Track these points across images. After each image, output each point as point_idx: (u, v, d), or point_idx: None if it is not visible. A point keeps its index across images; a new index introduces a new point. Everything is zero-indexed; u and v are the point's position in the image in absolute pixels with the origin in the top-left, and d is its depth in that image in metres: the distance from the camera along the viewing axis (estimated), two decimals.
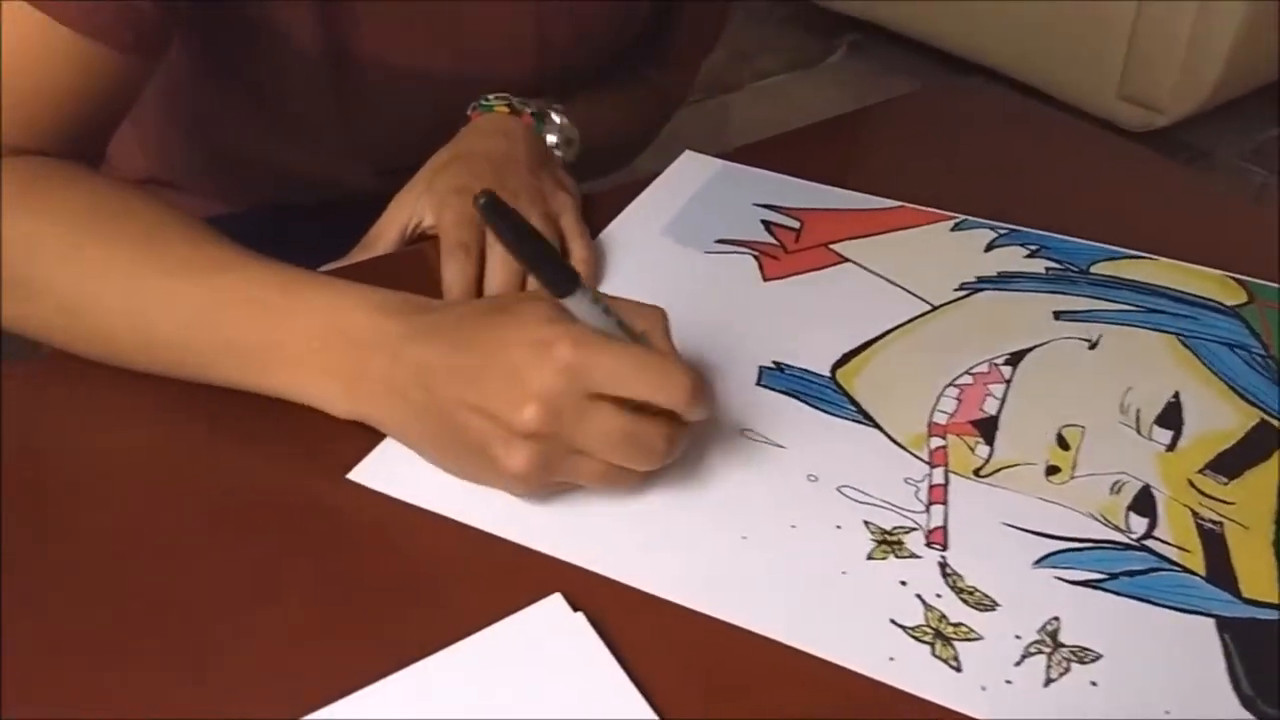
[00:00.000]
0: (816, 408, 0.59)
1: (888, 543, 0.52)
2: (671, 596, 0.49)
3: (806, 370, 0.62)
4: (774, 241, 0.72)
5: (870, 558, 0.51)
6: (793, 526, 0.52)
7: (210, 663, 0.45)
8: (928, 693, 0.45)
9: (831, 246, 0.71)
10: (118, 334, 0.55)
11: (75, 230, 0.55)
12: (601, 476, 0.51)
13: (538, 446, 0.48)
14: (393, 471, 0.53)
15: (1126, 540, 0.53)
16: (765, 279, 0.69)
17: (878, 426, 0.58)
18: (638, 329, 0.52)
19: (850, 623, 0.48)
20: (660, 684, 0.45)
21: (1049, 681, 0.46)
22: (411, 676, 0.44)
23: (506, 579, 0.49)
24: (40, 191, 0.57)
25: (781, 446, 0.57)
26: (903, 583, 0.50)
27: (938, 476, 0.56)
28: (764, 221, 0.74)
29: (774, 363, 0.62)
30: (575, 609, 0.47)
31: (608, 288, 0.67)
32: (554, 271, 0.49)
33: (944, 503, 0.54)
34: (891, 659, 0.46)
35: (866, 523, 0.53)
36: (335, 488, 0.53)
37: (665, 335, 0.54)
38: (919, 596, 0.49)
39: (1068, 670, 0.47)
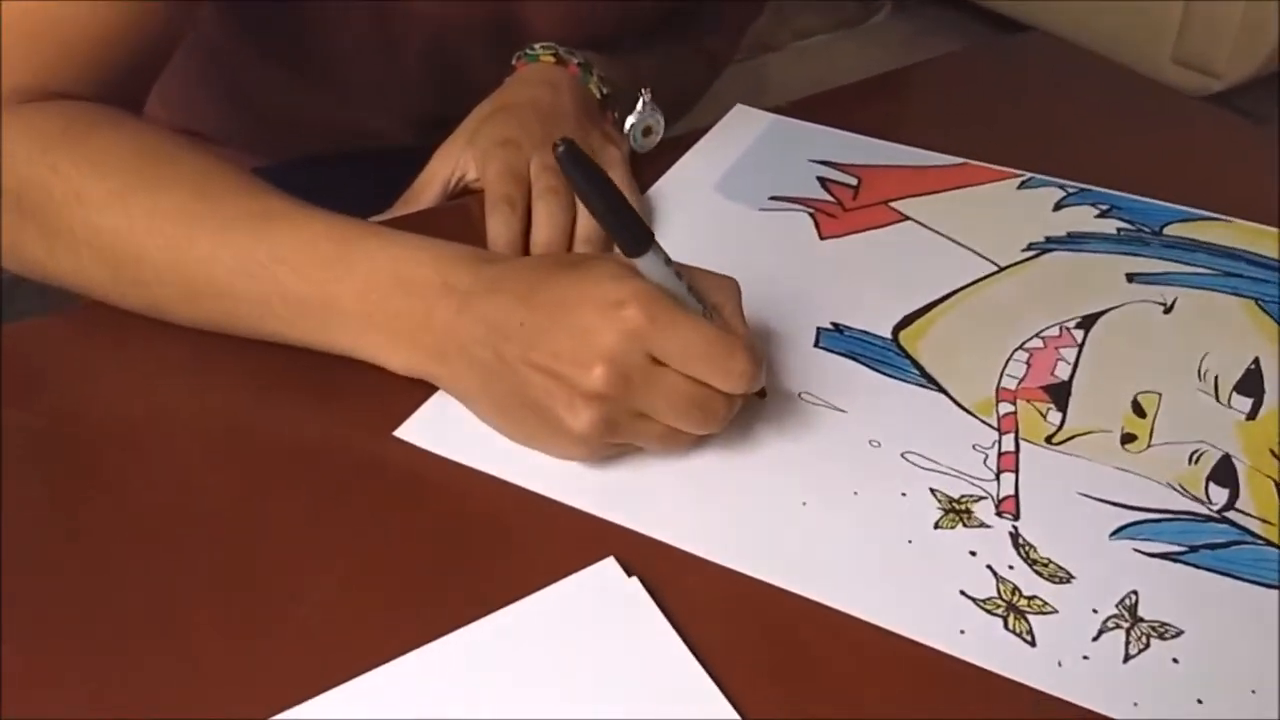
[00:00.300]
0: (878, 370, 0.57)
1: (955, 511, 0.50)
2: (728, 563, 0.46)
3: (866, 332, 0.59)
4: (830, 199, 0.69)
5: (938, 526, 0.49)
6: (855, 493, 0.50)
7: (257, 621, 0.43)
8: (1001, 667, 0.43)
9: (892, 204, 0.69)
10: (164, 285, 0.53)
11: (121, 176, 0.53)
12: (660, 438, 0.49)
13: (602, 408, 0.46)
14: (441, 429, 0.51)
15: (1207, 511, 0.50)
16: (822, 237, 0.66)
17: (943, 391, 0.56)
18: (710, 300, 0.50)
19: (918, 593, 0.46)
20: (716, 651, 0.43)
21: (1128, 658, 0.44)
22: (460, 640, 0.42)
23: (557, 541, 0.48)
24: (82, 135, 0.55)
25: (841, 410, 0.54)
26: (972, 553, 0.48)
27: (1007, 443, 0.53)
28: (820, 179, 0.71)
29: (832, 324, 0.60)
30: (629, 574, 0.45)
31: None
32: (630, 227, 0.47)
33: (1015, 470, 0.52)
34: (962, 632, 0.44)
35: (933, 490, 0.51)
36: (383, 445, 0.51)
37: (738, 311, 0.52)
38: (990, 568, 0.47)
39: (1147, 646, 0.44)
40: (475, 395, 0.51)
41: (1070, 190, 0.71)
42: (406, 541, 0.47)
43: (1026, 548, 0.48)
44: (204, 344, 0.54)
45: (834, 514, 0.49)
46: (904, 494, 0.50)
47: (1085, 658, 0.44)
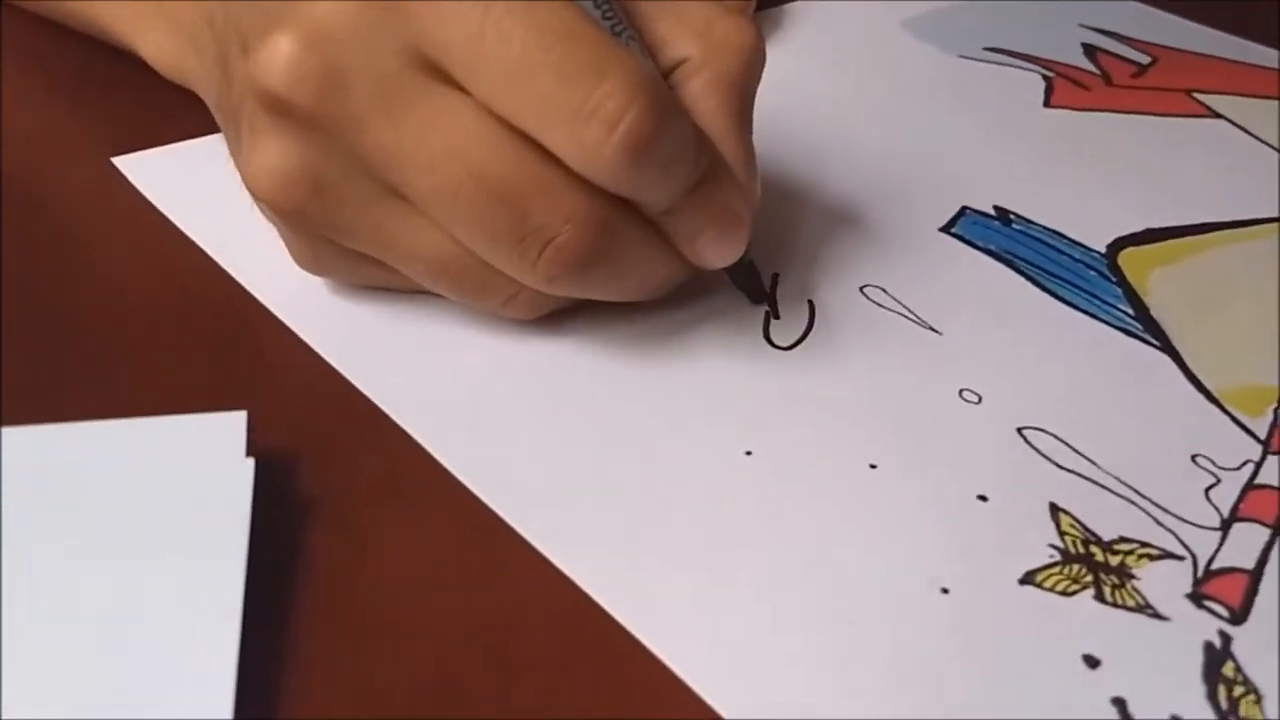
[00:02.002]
0: (1049, 290, 0.29)
1: (1093, 565, 0.21)
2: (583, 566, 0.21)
3: (1057, 233, 0.31)
4: (1093, 69, 0.41)
5: (1033, 581, 0.21)
6: (877, 479, 0.22)
7: None
8: None
9: (1196, 95, 0.39)
10: None
11: None
12: (414, 258, 0.25)
13: (292, 131, 0.23)
14: (174, 174, 0.29)
15: None
16: (1049, 104, 0.38)
17: (1174, 354, 0.27)
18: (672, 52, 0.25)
19: None
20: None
21: None
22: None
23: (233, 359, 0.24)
24: None
25: (936, 331, 0.27)
26: (1092, 662, 0.19)
27: (1270, 473, 0.24)
28: (1087, 45, 0.43)
29: (995, 208, 0.32)
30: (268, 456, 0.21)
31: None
32: None
33: (1273, 528, 0.22)
34: None
35: (1059, 509, 0.22)
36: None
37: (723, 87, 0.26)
38: (1118, 702, 0.19)
39: None
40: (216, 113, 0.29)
41: None
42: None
43: (1237, 684, 0.19)
44: None
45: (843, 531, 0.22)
46: (983, 497, 0.23)
47: None
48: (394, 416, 0.24)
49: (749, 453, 0.24)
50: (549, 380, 0.25)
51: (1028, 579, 0.21)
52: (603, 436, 0.24)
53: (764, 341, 0.27)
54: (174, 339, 0.26)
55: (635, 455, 0.23)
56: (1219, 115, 0.38)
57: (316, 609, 0.20)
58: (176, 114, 0.32)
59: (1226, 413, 0.25)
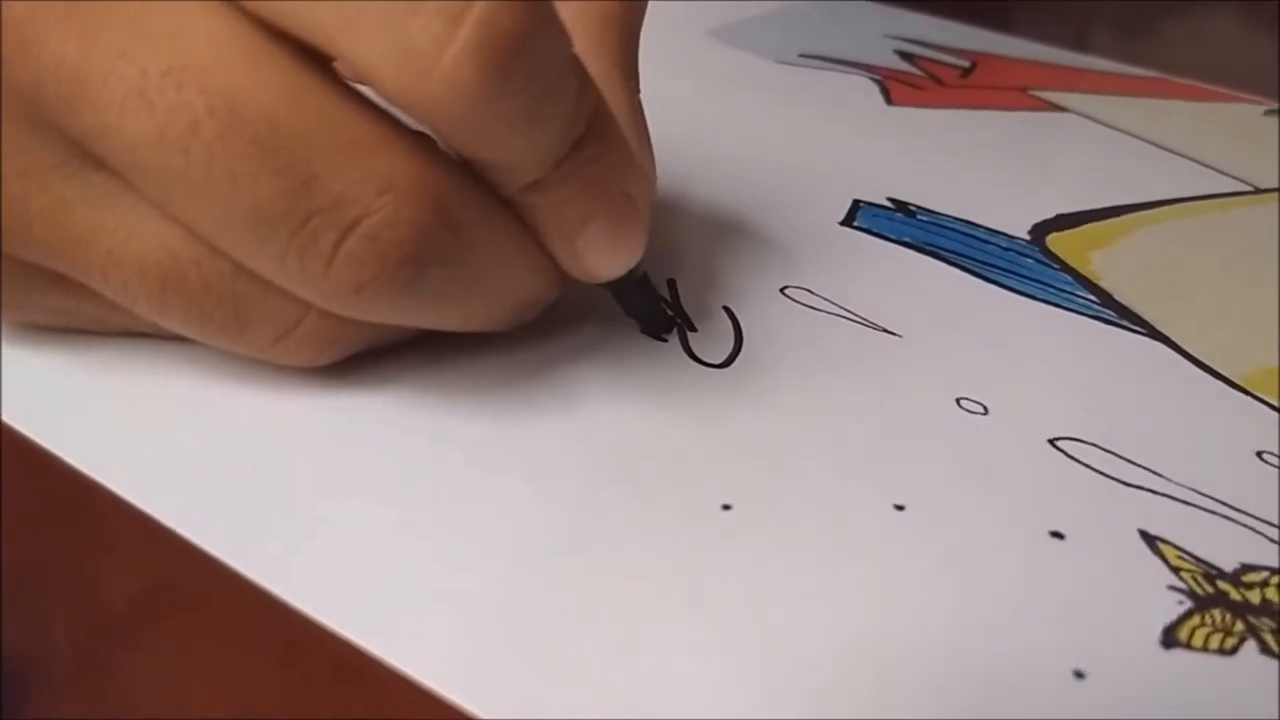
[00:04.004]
0: (999, 283, 0.23)
1: (1224, 604, 0.15)
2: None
3: (968, 222, 0.26)
4: (917, 71, 0.37)
5: (1178, 642, 0.14)
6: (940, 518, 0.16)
7: None
8: None
9: (1033, 92, 0.36)
10: None
11: None
12: (152, 288, 0.16)
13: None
14: None
15: None
16: (891, 102, 0.34)
17: (1166, 341, 0.22)
18: None
19: None
20: None
21: None
22: None
23: None
24: None
25: (895, 335, 0.21)
26: None
27: None
28: (901, 53, 0.39)
29: (891, 200, 0.26)
30: None
31: None
32: None
33: None
34: None
35: (1158, 542, 0.16)
36: None
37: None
38: None
39: None
40: None
41: None
42: None
43: None
44: None
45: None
46: (1058, 534, 0.16)
47: None
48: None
49: (727, 507, 0.16)
50: (355, 453, 0.17)
51: (1170, 640, 0.15)
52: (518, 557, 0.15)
53: (687, 358, 0.19)
54: None
55: (580, 588, 0.15)
56: (1063, 109, 0.35)
57: None
58: None
59: (1262, 400, 0.20)
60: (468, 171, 0.16)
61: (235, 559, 0.14)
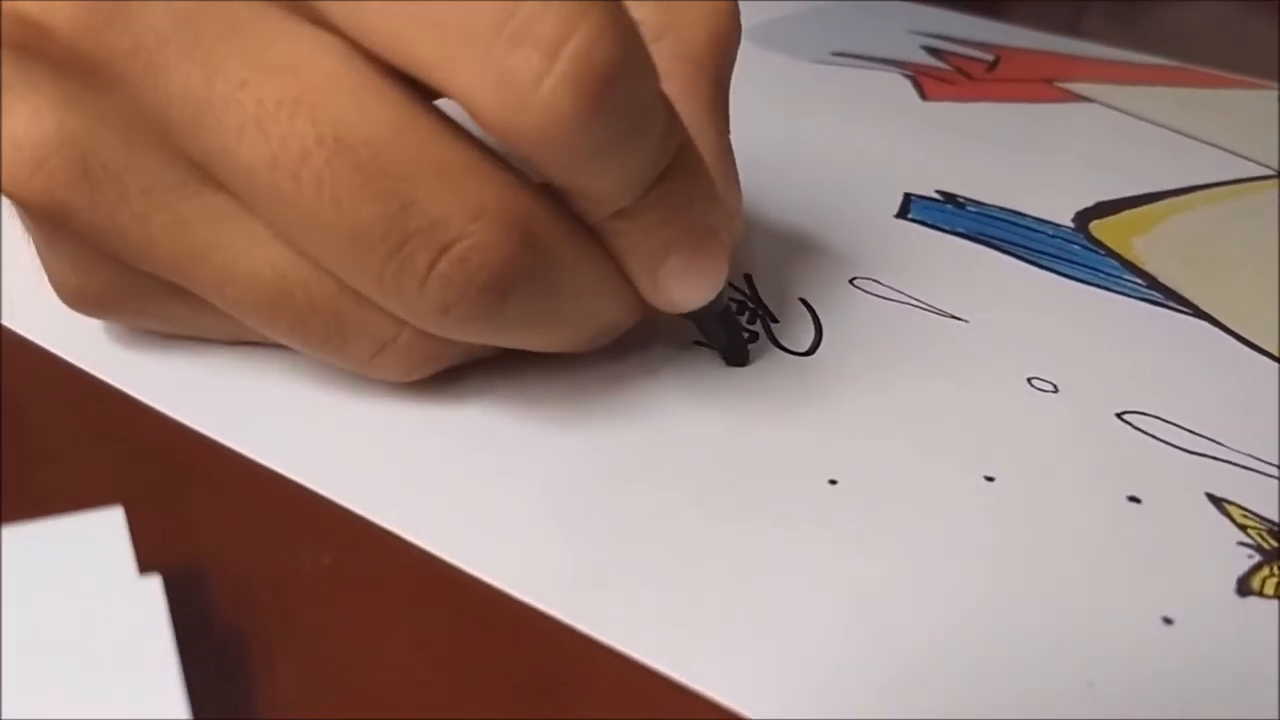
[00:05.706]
0: (1052, 269, 0.25)
1: None
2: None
3: (1014, 212, 0.27)
4: (945, 66, 0.38)
5: (1252, 590, 0.16)
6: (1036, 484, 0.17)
7: None
8: None
9: (1058, 83, 0.38)
10: None
11: None
12: (261, 305, 0.18)
13: (49, 85, 0.16)
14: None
15: None
16: (926, 98, 0.35)
17: (1213, 320, 0.23)
18: None
19: None
20: None
21: None
22: None
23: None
24: None
25: (962, 320, 0.22)
26: None
27: None
28: (928, 49, 0.40)
29: (939, 192, 0.28)
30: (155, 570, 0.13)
31: None
32: None
33: None
34: None
35: (1222, 502, 0.18)
36: None
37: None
38: None
39: None
40: None
41: None
42: None
43: None
44: None
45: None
46: (1134, 499, 0.18)
47: None
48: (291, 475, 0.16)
49: (833, 481, 0.17)
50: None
51: (1244, 588, 0.16)
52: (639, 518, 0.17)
53: (774, 347, 0.21)
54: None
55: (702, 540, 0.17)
56: (1088, 99, 0.36)
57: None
58: None
59: None
60: (557, 201, 0.17)
61: (408, 532, 0.16)
